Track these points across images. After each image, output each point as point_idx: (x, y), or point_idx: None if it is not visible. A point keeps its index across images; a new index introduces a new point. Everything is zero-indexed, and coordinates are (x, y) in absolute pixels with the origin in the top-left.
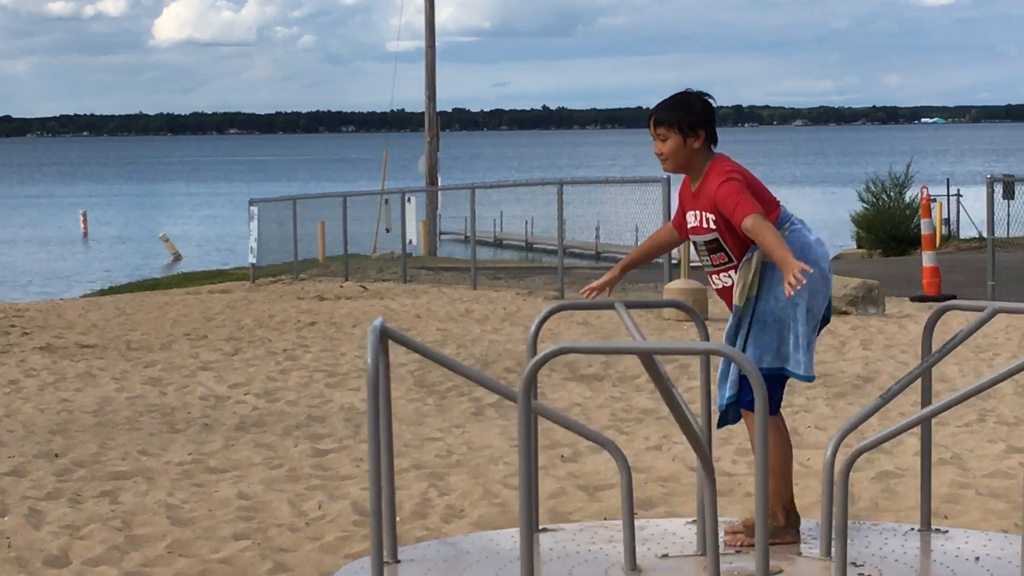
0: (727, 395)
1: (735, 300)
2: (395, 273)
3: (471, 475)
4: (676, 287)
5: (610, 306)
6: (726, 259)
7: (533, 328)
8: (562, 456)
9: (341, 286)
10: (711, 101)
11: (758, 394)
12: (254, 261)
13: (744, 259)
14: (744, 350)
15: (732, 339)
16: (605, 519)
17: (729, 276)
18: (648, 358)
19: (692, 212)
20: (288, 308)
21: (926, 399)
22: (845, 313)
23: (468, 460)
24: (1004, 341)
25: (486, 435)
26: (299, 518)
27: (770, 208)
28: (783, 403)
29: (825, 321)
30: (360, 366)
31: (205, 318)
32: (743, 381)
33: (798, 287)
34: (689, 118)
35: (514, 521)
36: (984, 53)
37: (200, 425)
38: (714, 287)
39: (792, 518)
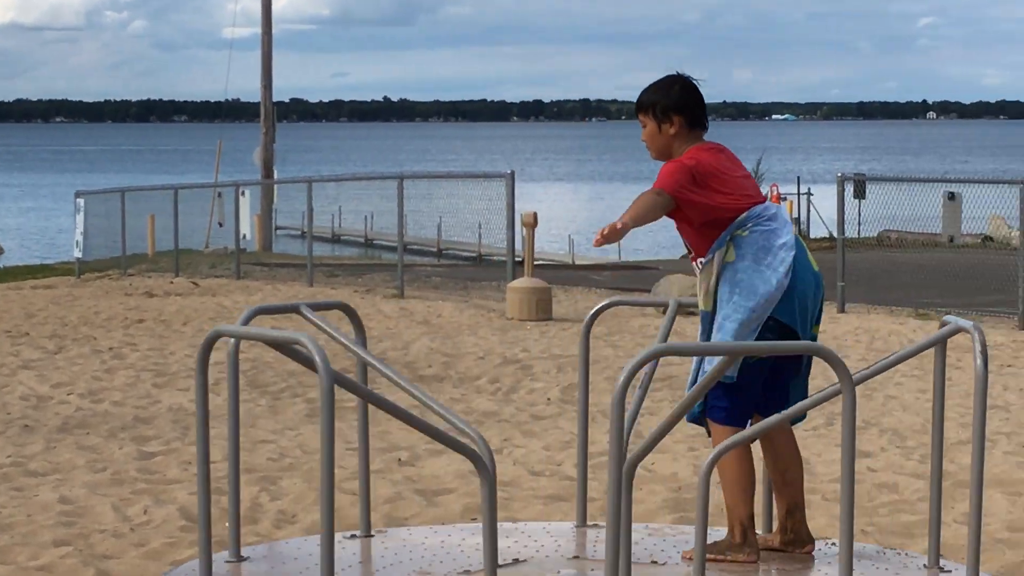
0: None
1: (700, 304)
2: (228, 269)
3: (304, 479)
4: (520, 286)
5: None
6: (687, 249)
7: (584, 326)
8: (399, 459)
9: (171, 282)
10: (695, 84)
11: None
12: (80, 255)
13: (706, 260)
14: (703, 360)
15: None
16: (443, 523)
17: (696, 266)
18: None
19: None
20: (115, 305)
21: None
22: (692, 313)
23: (301, 463)
24: (853, 344)
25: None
26: (123, 523)
27: (731, 202)
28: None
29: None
30: (190, 366)
31: (27, 314)
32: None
33: (595, 242)
34: (663, 103)
35: (349, 526)
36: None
37: (20, 426)
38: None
39: (751, 537)
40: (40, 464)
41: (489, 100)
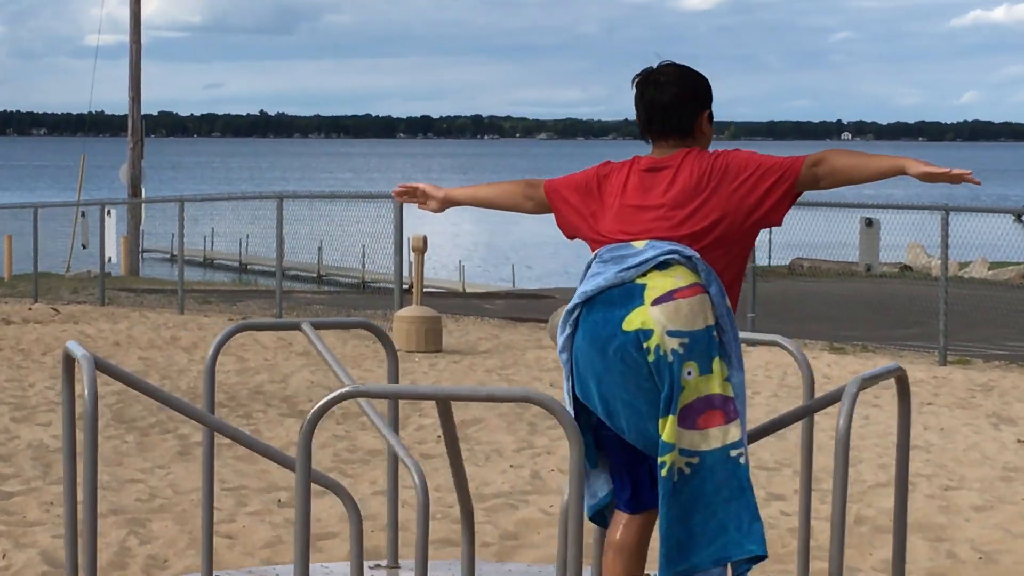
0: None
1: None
2: (92, 295)
3: (176, 521)
4: (408, 315)
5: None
6: None
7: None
8: (279, 501)
9: (30, 308)
10: (640, 90)
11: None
12: None
13: None
14: None
15: None
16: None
17: None
18: (446, 405)
19: None
20: None
21: None
22: None
23: (173, 504)
24: (764, 379)
25: (194, 476)
26: None
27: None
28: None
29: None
30: (51, 398)
31: None
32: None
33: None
34: None
35: (225, 570)
36: (744, 64)
37: None
38: None
39: None
40: None
41: (374, 115)
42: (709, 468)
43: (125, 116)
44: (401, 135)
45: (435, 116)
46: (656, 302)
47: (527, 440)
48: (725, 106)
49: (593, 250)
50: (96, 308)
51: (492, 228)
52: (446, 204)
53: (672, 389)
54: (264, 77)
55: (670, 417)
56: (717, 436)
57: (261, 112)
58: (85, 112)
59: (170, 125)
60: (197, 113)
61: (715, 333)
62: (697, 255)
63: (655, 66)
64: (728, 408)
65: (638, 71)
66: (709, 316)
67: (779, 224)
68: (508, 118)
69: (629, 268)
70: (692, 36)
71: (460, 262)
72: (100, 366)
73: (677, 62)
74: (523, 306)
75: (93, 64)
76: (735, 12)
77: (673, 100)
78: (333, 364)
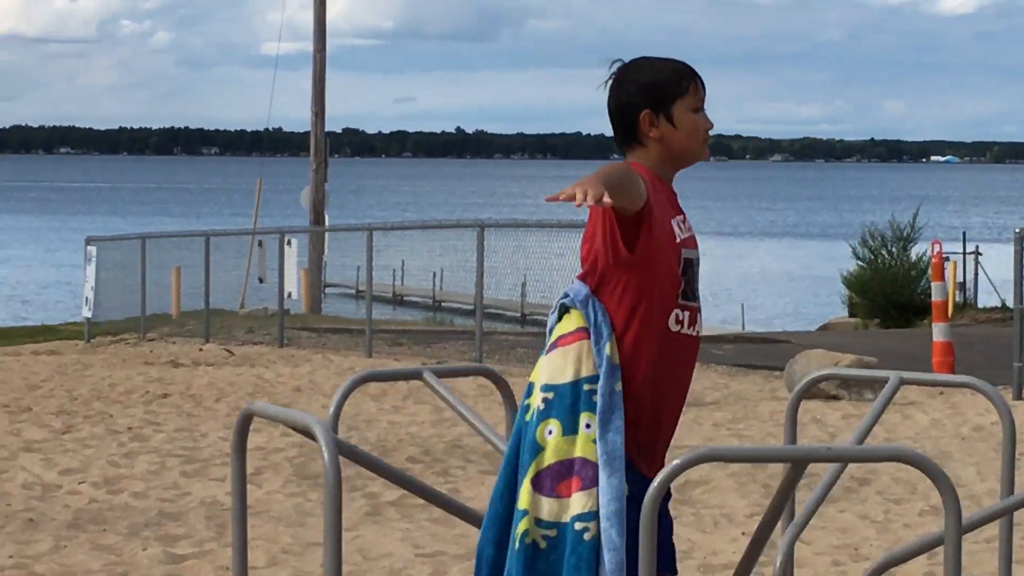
0: None
1: None
2: (269, 334)
3: None
4: None
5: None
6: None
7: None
8: None
9: (200, 349)
10: None
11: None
12: (90, 315)
13: None
14: None
15: None
16: None
17: (698, 320)
18: (800, 467)
19: (683, 216)
20: (134, 375)
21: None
22: (835, 398)
23: (362, 572)
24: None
25: (384, 541)
26: None
27: None
28: None
29: None
30: (225, 451)
31: (28, 386)
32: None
33: None
34: None
35: None
36: (1011, 76)
37: (23, 520)
38: (690, 332)
39: None
40: (47, 567)
41: (585, 133)
42: (568, 543)
43: (306, 134)
44: (615, 156)
45: None
46: (547, 352)
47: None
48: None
49: None
50: (274, 349)
51: (715, 263)
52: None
53: (522, 449)
54: (461, 90)
55: (525, 481)
56: (576, 506)
57: (457, 129)
58: (262, 129)
59: (356, 144)
60: (386, 130)
61: (587, 386)
62: (589, 295)
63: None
64: (585, 474)
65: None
66: (584, 367)
67: (629, 254)
68: (738, 137)
69: (552, 312)
70: (948, 44)
71: None
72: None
73: (643, 56)
74: (754, 351)
75: (272, 76)
76: (1000, 16)
77: (610, 107)
78: (468, 415)
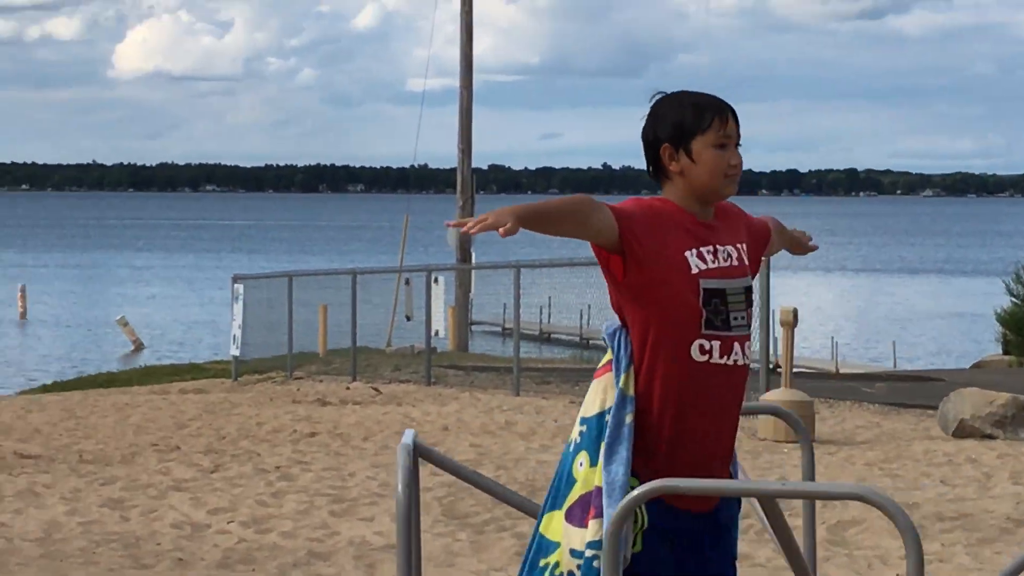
0: None
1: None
2: (416, 373)
3: None
4: (776, 398)
5: None
6: (747, 321)
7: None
8: None
9: (348, 387)
10: None
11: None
12: (237, 353)
13: None
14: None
15: None
16: None
17: (742, 348)
18: (771, 501)
19: (713, 248)
20: (281, 414)
21: None
22: (990, 437)
23: None
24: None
25: None
26: None
27: None
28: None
29: None
30: (373, 490)
31: (176, 424)
32: None
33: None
34: None
35: None
36: None
37: (172, 560)
38: (737, 361)
39: None
40: None
41: None
42: (582, 570)
43: (453, 170)
44: (764, 191)
45: (803, 170)
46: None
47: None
48: None
49: None
50: (421, 388)
51: (864, 299)
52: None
53: (559, 481)
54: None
55: (556, 512)
56: (589, 533)
57: (604, 165)
58: (408, 166)
59: (502, 180)
60: (532, 167)
61: (608, 418)
62: (619, 328)
63: None
64: (598, 503)
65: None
66: (608, 399)
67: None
68: (888, 172)
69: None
70: None
71: (832, 338)
72: (423, 454)
73: (679, 91)
74: (907, 389)
75: (418, 112)
76: None
77: (641, 139)
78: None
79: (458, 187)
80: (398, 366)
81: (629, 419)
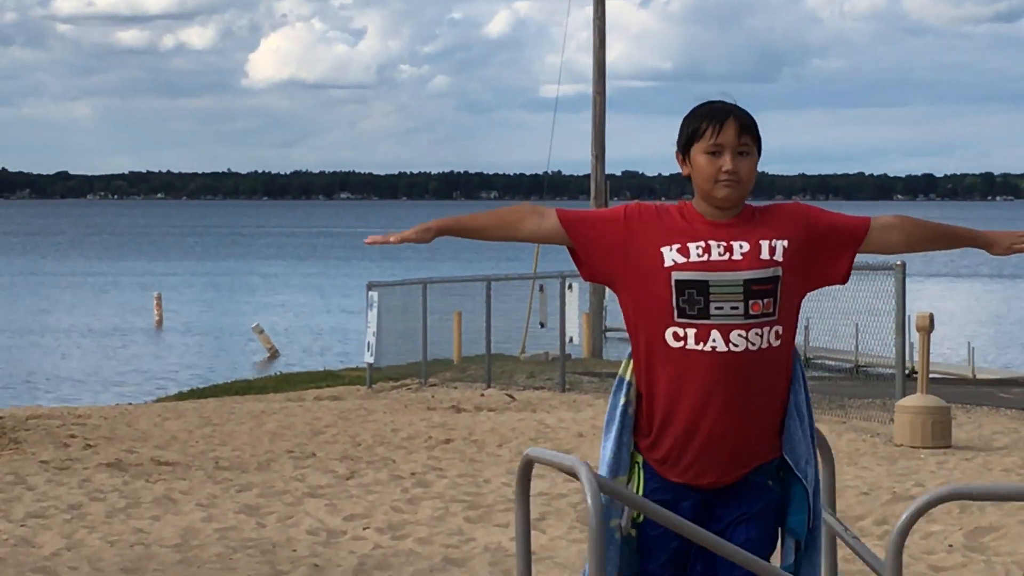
0: None
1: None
2: (551, 379)
3: None
4: (912, 404)
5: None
6: (771, 309)
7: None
8: None
9: (482, 394)
10: None
11: None
12: (372, 360)
13: (799, 363)
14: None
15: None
16: None
17: (760, 335)
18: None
19: (706, 244)
20: (416, 420)
21: None
22: None
23: None
24: None
25: None
26: None
27: None
28: None
29: None
30: (508, 496)
31: (312, 431)
32: None
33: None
34: (758, 133)
35: None
36: None
37: (309, 566)
38: (700, 347)
39: None
40: None
41: (867, 174)
42: None
43: (586, 176)
44: (899, 196)
45: (939, 175)
46: None
47: None
48: None
49: None
50: (556, 394)
51: (995, 304)
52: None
53: None
54: None
55: None
56: None
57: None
58: (541, 172)
59: (635, 187)
60: (665, 173)
61: None
62: None
63: None
64: None
65: None
66: None
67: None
68: None
69: None
70: None
71: (969, 343)
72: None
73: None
74: None
75: (551, 119)
76: None
77: None
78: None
79: (592, 193)
80: (532, 373)
81: (623, 400)
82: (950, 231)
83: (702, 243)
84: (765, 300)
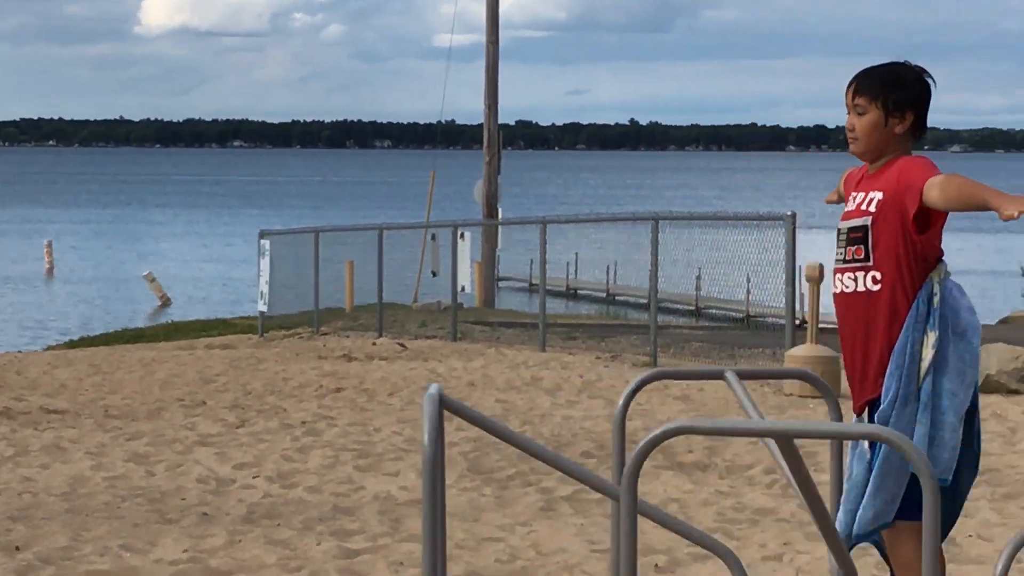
0: (875, 515)
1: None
2: (443, 328)
3: None
4: (801, 354)
5: (719, 375)
6: (863, 255)
7: (621, 402)
8: (656, 565)
9: (374, 343)
10: (930, 82)
11: (929, 501)
12: (264, 309)
13: (916, 313)
14: None
15: (901, 423)
16: None
17: (855, 279)
18: (787, 442)
19: (856, 194)
20: (307, 369)
21: None
22: (1016, 392)
23: (536, 567)
24: None
25: (559, 536)
26: None
27: (934, 251)
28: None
29: (972, 408)
30: (399, 445)
31: (203, 380)
32: (908, 487)
33: (1018, 211)
34: (897, 94)
35: None
36: None
37: (198, 515)
38: (833, 290)
39: None
40: (222, 561)
41: (760, 124)
42: None
43: (479, 126)
44: (791, 147)
45: (831, 126)
46: None
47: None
48: None
49: (938, 250)
50: (447, 344)
51: None
52: None
53: None
54: (635, 82)
55: None
56: None
57: (631, 121)
58: (435, 122)
59: (529, 136)
60: (559, 123)
61: None
62: None
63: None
64: None
65: (910, 64)
66: None
67: None
68: None
69: None
70: None
71: None
72: (448, 406)
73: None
74: None
75: (446, 67)
76: None
77: None
78: (752, 411)
79: (484, 143)
80: (424, 322)
81: None
82: (982, 201)
83: (854, 194)
84: (857, 247)
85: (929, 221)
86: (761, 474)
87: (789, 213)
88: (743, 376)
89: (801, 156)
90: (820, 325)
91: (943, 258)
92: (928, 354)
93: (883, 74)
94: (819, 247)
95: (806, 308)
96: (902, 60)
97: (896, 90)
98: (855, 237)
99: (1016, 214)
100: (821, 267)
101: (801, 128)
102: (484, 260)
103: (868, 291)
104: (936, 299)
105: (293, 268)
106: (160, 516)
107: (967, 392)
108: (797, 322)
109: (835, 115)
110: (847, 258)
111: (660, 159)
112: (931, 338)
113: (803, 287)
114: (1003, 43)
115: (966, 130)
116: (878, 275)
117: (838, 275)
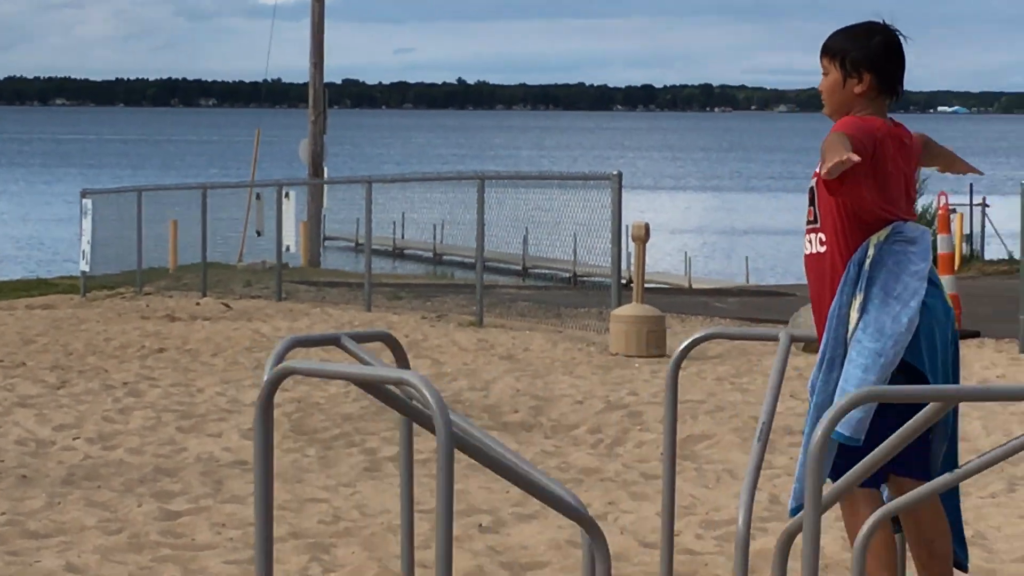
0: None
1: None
2: (267, 288)
3: (363, 547)
4: (626, 314)
5: (773, 337)
6: (813, 217)
7: (675, 357)
8: (480, 525)
9: (198, 303)
10: (899, 41)
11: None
12: (86, 269)
13: (846, 276)
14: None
15: (828, 388)
16: None
17: (810, 241)
18: None
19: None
20: (129, 330)
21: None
22: None
23: (360, 528)
24: None
25: (383, 497)
26: None
27: (886, 202)
28: None
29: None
30: (221, 406)
31: (22, 340)
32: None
33: (827, 167)
34: (856, 54)
35: None
36: (1018, 27)
37: (16, 477)
38: (811, 251)
39: None
40: (41, 524)
41: (588, 84)
42: None
43: (305, 85)
44: (619, 107)
45: (658, 86)
46: None
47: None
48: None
49: (881, 214)
50: (272, 303)
51: (718, 215)
52: None
53: (957, 353)
54: (463, 40)
55: None
56: None
57: (459, 80)
58: (260, 80)
59: (356, 95)
60: (386, 81)
61: None
62: None
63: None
64: None
65: (879, 23)
66: None
67: None
68: (742, 88)
69: (929, 254)
70: None
71: (686, 254)
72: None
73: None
74: (759, 305)
75: (271, 25)
76: None
77: None
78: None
79: (310, 102)
80: (249, 281)
81: None
82: (949, 159)
83: None
84: (810, 208)
85: (841, 179)
86: (586, 434)
87: (615, 173)
88: (795, 339)
89: (628, 115)
90: (645, 285)
91: (897, 222)
92: (854, 316)
93: (843, 35)
94: (644, 207)
95: (632, 267)
96: (879, 20)
97: (853, 51)
98: (810, 199)
99: (824, 171)
100: (647, 226)
101: (629, 88)
102: (310, 219)
103: (818, 253)
104: (868, 262)
105: (116, 228)
106: None
107: (893, 351)
108: (623, 282)
109: (662, 75)
110: (809, 220)
111: (487, 118)
112: (858, 300)
113: (629, 247)
114: (827, 4)
115: (792, 90)
116: (823, 237)
117: (805, 236)
